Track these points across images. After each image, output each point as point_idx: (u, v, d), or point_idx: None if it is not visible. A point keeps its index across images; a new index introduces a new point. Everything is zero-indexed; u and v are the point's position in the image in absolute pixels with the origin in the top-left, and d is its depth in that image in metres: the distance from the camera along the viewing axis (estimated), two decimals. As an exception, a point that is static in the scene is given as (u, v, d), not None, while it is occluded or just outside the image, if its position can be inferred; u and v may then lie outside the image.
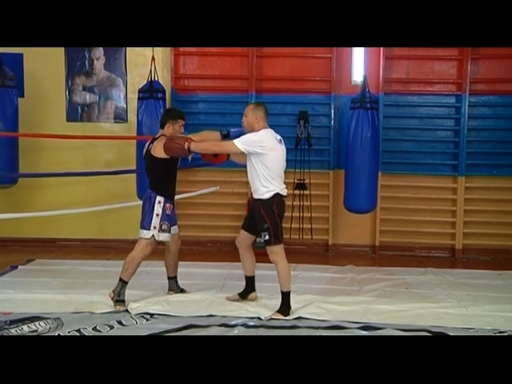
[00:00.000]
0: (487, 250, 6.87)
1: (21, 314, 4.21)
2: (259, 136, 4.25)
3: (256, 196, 4.36)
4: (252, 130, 4.33)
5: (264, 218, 4.29)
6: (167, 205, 4.53)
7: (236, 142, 4.22)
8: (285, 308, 4.33)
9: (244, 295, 4.66)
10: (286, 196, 4.40)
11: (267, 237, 4.30)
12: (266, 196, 4.28)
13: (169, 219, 4.54)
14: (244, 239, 4.59)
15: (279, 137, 4.41)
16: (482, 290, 5.21)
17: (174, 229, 4.65)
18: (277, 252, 4.34)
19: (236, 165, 6.79)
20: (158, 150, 4.44)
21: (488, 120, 6.99)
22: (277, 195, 4.30)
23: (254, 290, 4.66)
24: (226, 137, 4.48)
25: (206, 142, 4.43)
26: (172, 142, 4.35)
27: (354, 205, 6.24)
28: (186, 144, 4.26)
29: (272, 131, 4.39)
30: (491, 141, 6.96)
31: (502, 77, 6.89)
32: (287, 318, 4.26)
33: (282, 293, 4.35)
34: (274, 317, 4.27)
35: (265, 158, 4.23)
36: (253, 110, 4.35)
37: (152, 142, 4.55)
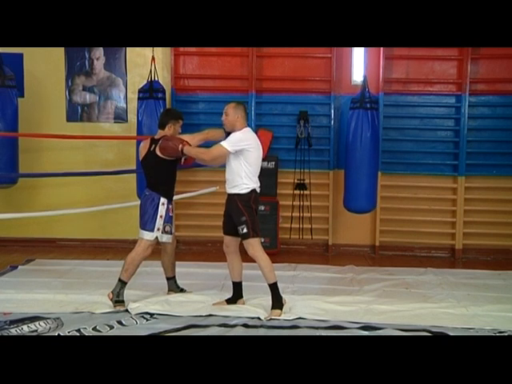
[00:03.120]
0: (487, 250, 6.87)
1: (21, 314, 4.21)
2: (245, 134, 4.33)
3: (233, 191, 4.39)
4: (233, 128, 4.39)
5: (241, 212, 4.32)
6: (170, 206, 4.54)
7: (224, 144, 4.28)
8: (277, 301, 4.34)
9: (232, 302, 4.59)
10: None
11: (245, 230, 4.31)
12: (244, 191, 4.34)
13: (171, 220, 4.55)
14: (231, 243, 4.55)
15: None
16: (482, 290, 5.22)
17: (172, 227, 4.65)
18: (254, 245, 4.34)
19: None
20: None
21: (488, 120, 6.99)
22: (254, 191, 4.37)
23: (241, 296, 4.61)
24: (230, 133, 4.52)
25: (198, 148, 4.47)
26: (168, 141, 4.41)
27: (354, 205, 6.25)
28: (180, 146, 4.35)
29: (251, 130, 4.48)
30: (491, 141, 6.96)
31: (502, 77, 6.89)
32: (287, 317, 4.25)
33: (270, 285, 4.35)
34: (272, 316, 4.27)
35: (249, 156, 4.30)
36: (234, 108, 4.40)
37: (153, 143, 4.55)
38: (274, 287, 4.35)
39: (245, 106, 4.58)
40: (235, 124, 4.38)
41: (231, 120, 4.39)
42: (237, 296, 4.60)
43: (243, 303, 4.57)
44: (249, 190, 4.34)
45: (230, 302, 4.58)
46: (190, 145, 4.42)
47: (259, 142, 4.43)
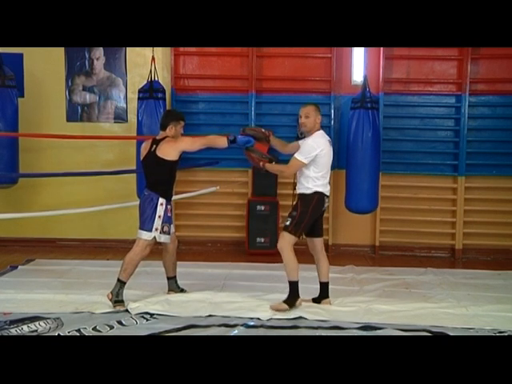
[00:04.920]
0: (487, 250, 6.87)
1: (21, 314, 4.21)
2: (317, 142, 4.35)
3: (299, 191, 4.47)
4: (310, 131, 4.43)
5: (296, 208, 4.39)
6: (168, 206, 4.55)
7: (298, 157, 4.32)
8: (291, 298, 4.38)
9: (317, 301, 4.64)
10: (328, 196, 4.47)
11: (288, 222, 4.39)
12: (308, 191, 4.39)
13: (170, 221, 4.55)
14: (310, 244, 4.62)
15: (329, 138, 4.52)
16: (481, 290, 5.21)
17: (171, 227, 4.65)
18: (286, 239, 4.38)
19: (236, 165, 6.85)
20: (167, 152, 4.47)
21: (488, 120, 6.99)
22: (318, 193, 4.39)
23: (327, 296, 4.64)
24: (233, 143, 4.47)
25: (278, 165, 4.56)
26: (251, 154, 4.53)
27: (356, 205, 6.23)
28: (261, 163, 4.49)
29: (324, 133, 4.49)
30: (491, 141, 6.96)
31: (502, 77, 6.89)
32: (287, 317, 4.26)
33: (289, 282, 4.42)
34: (277, 308, 4.32)
35: (319, 161, 4.35)
36: (315, 111, 4.44)
37: (154, 144, 4.55)
38: (291, 285, 4.40)
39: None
40: (314, 126, 4.43)
41: (312, 122, 4.42)
42: (323, 295, 4.64)
43: (329, 303, 4.58)
44: (311, 192, 4.37)
45: (315, 300, 4.65)
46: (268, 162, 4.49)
47: (329, 145, 4.44)
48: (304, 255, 6.71)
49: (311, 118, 4.42)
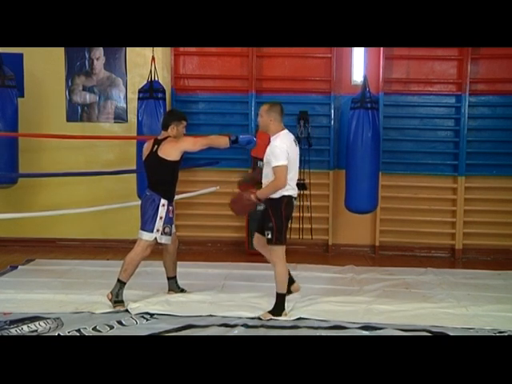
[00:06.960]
0: (487, 250, 6.87)
1: (21, 314, 4.22)
2: (284, 143, 4.28)
3: None
4: (267, 131, 4.39)
5: (270, 218, 4.31)
6: (170, 207, 4.54)
7: (278, 163, 4.20)
8: (277, 309, 4.33)
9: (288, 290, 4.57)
10: (295, 198, 4.42)
11: (270, 236, 4.31)
12: (276, 196, 4.29)
13: (171, 222, 4.55)
14: (259, 240, 4.59)
15: (294, 137, 4.46)
16: (481, 290, 5.22)
17: (172, 228, 4.65)
18: (276, 252, 4.34)
19: (236, 165, 6.85)
20: (169, 152, 4.46)
21: (488, 120, 6.99)
22: (286, 196, 4.30)
23: (293, 281, 4.57)
24: (235, 143, 4.44)
25: (266, 188, 4.31)
26: (242, 201, 4.39)
27: (355, 205, 6.24)
28: (253, 196, 4.31)
29: (287, 132, 4.44)
30: (491, 141, 6.96)
31: (502, 77, 6.89)
32: (287, 318, 4.26)
33: (276, 294, 4.36)
34: (263, 317, 4.27)
35: None
36: (267, 111, 4.36)
37: (156, 144, 4.55)
38: (279, 297, 4.34)
39: (281, 106, 4.47)
40: (269, 127, 4.37)
41: (265, 122, 4.37)
42: (289, 283, 4.51)
43: (298, 288, 4.55)
44: (280, 196, 4.28)
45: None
46: (256, 190, 4.36)
47: (294, 146, 4.38)
48: (302, 255, 6.73)
49: (263, 118, 4.37)
